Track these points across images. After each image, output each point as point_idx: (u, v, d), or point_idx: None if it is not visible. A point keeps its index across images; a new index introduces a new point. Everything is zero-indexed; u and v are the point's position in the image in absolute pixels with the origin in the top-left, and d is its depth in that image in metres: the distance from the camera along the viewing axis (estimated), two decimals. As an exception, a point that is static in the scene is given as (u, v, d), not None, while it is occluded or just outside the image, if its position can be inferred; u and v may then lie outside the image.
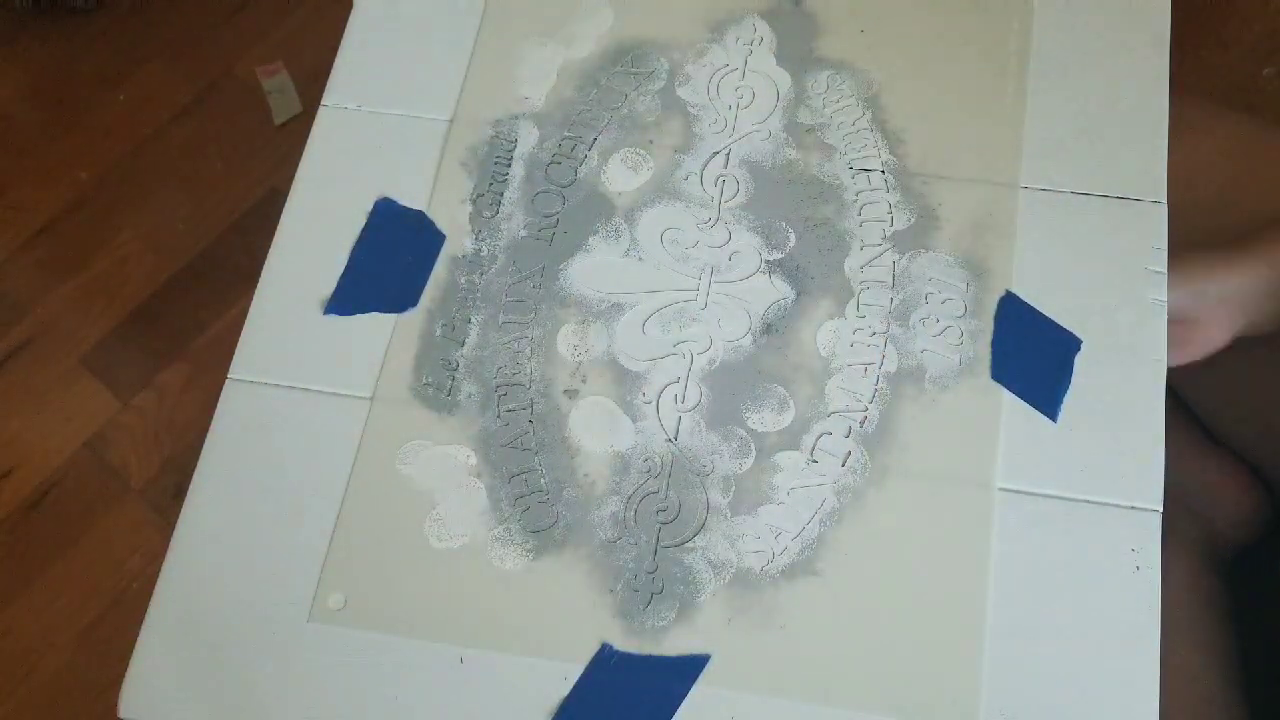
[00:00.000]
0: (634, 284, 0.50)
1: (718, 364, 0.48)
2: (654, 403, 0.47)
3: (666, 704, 0.42)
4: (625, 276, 0.50)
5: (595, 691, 0.43)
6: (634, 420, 0.47)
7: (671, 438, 0.47)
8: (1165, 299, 0.48)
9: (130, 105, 1.18)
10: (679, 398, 0.47)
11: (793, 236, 0.51)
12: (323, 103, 0.55)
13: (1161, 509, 0.44)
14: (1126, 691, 0.42)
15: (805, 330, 0.48)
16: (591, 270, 0.50)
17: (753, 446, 0.46)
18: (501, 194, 0.52)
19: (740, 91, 0.54)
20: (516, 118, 0.54)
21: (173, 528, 0.46)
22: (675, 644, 0.43)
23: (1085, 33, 0.54)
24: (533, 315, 0.49)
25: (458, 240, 0.51)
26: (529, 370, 0.48)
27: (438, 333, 0.49)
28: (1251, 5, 1.13)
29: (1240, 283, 0.50)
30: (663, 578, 0.44)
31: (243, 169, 1.14)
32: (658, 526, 0.45)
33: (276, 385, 0.48)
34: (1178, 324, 0.50)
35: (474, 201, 0.52)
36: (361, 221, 0.52)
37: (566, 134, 0.53)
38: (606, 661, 0.43)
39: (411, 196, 0.52)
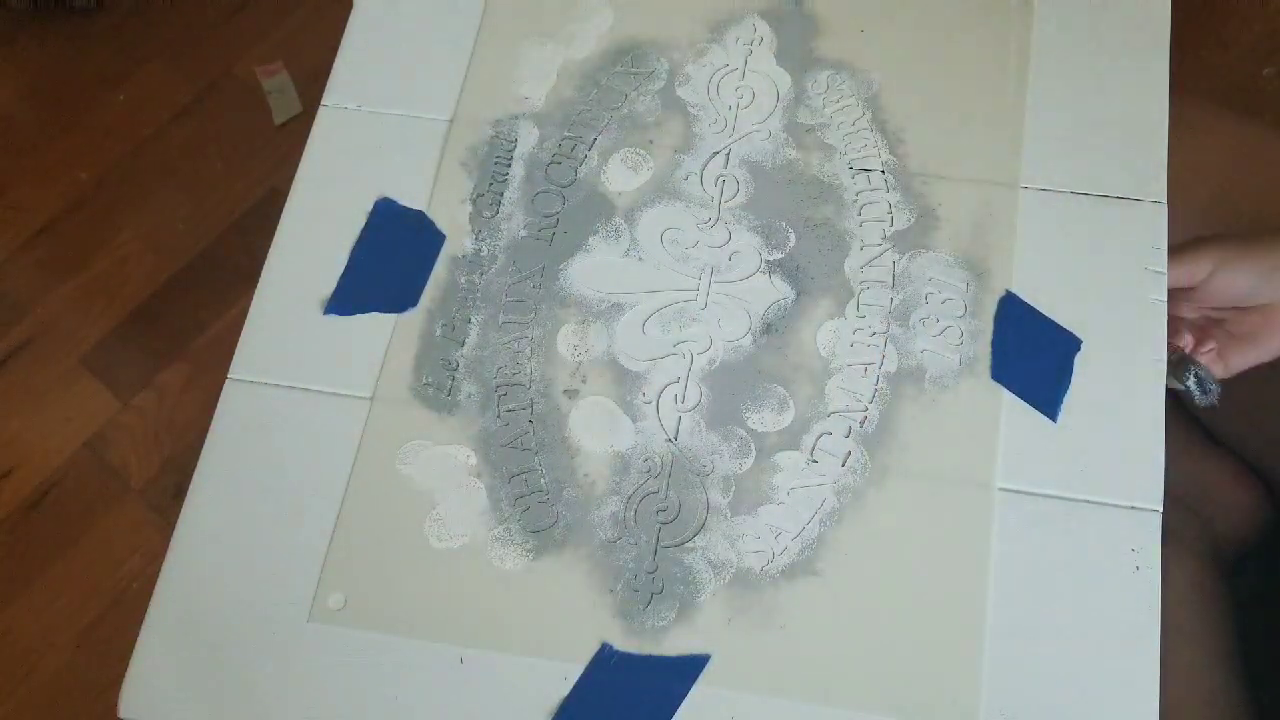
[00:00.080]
0: (634, 284, 0.50)
1: (718, 364, 0.48)
2: (654, 403, 0.47)
3: (666, 704, 0.42)
4: (625, 276, 0.50)
5: (595, 691, 0.43)
6: (634, 420, 0.47)
7: (671, 438, 0.47)
8: (1165, 299, 0.48)
9: (130, 105, 1.18)
10: (679, 398, 0.47)
11: (793, 236, 0.51)
12: (323, 103, 0.55)
13: (1161, 509, 0.44)
14: (1126, 691, 0.42)
15: (805, 330, 0.48)
16: (591, 270, 0.50)
17: (753, 446, 0.46)
18: (501, 194, 0.52)
19: (740, 91, 0.54)
20: (516, 118, 0.54)
21: (173, 528, 0.46)
22: (675, 644, 0.43)
23: (1085, 33, 0.54)
24: (533, 315, 0.49)
25: (458, 240, 0.51)
26: (529, 370, 0.48)
27: (438, 333, 0.49)
28: (1251, 5, 1.13)
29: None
30: (663, 578, 0.44)
31: (243, 169, 1.14)
32: (658, 526, 0.45)
33: (276, 385, 0.48)
34: (1255, 312, 0.49)
35: (474, 201, 0.52)
36: (361, 221, 0.52)
37: (566, 134, 0.53)
38: (606, 661, 0.43)
39: (411, 196, 0.52)
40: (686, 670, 0.43)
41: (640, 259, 0.50)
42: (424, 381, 0.48)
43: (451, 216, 0.52)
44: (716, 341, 0.49)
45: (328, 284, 0.50)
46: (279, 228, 0.52)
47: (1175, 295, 0.49)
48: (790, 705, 0.42)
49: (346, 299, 0.50)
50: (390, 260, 0.51)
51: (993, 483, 0.45)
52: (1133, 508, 0.44)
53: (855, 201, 0.51)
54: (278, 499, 0.46)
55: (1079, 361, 0.47)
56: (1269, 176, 0.59)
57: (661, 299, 0.50)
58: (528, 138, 0.53)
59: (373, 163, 0.53)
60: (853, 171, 0.52)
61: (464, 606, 0.44)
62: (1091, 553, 0.44)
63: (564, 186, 0.52)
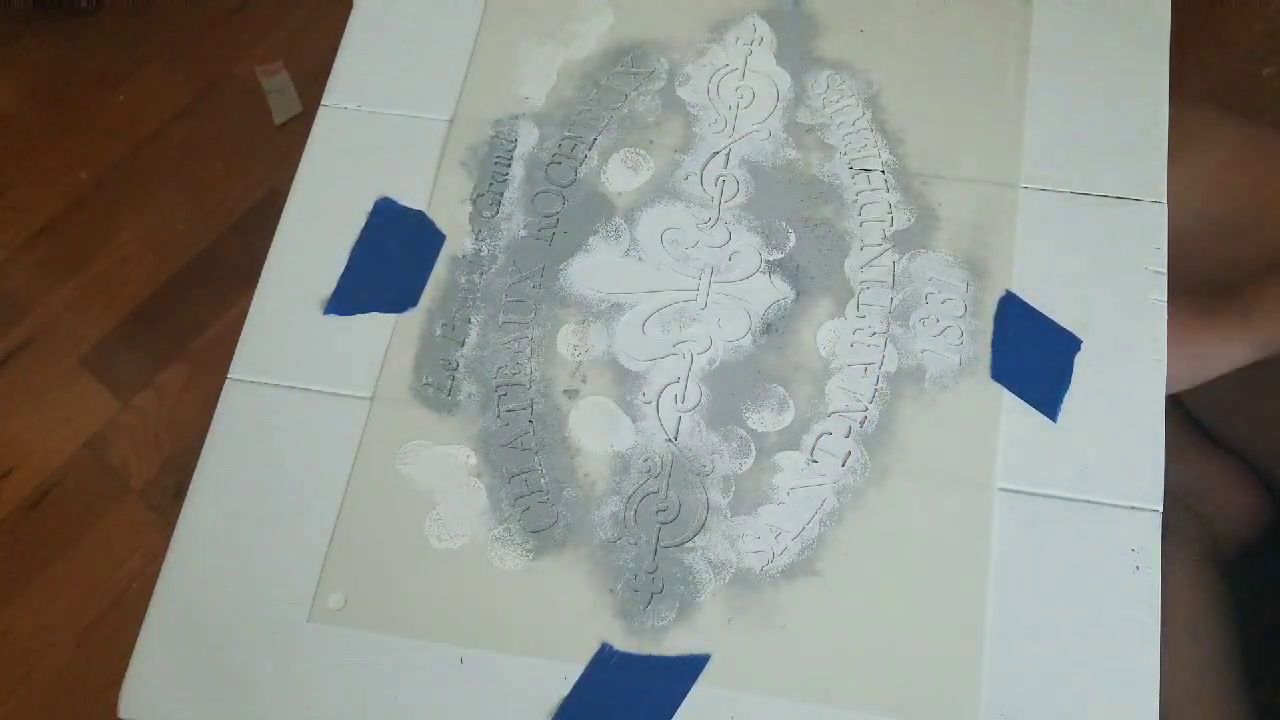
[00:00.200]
0: (634, 284, 0.50)
1: (718, 364, 0.48)
2: (654, 403, 0.47)
3: (666, 704, 0.42)
4: (625, 276, 0.50)
5: (595, 691, 0.43)
6: (634, 420, 0.47)
7: (671, 438, 0.47)
8: (1165, 299, 0.48)
9: (130, 105, 1.18)
10: (679, 398, 0.47)
11: (793, 236, 0.51)
12: (323, 103, 0.55)
13: (1161, 509, 0.44)
14: (1126, 691, 0.42)
15: (805, 330, 0.48)
16: (591, 270, 0.50)
17: (753, 446, 0.46)
18: (501, 194, 0.52)
19: (740, 91, 0.54)
20: (516, 118, 0.54)
21: (173, 528, 0.46)
22: (675, 644, 0.43)
23: (1085, 33, 0.54)
24: (533, 315, 0.49)
25: (458, 240, 0.51)
26: (529, 370, 0.48)
27: (438, 333, 0.49)
28: (1251, 5, 1.13)
29: (1242, 355, 0.51)
30: (663, 578, 0.44)
31: (243, 169, 1.14)
32: (658, 526, 0.45)
33: (276, 385, 0.48)
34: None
35: (474, 201, 0.52)
36: (361, 221, 0.52)
37: (566, 134, 0.53)
38: (606, 661, 0.43)
39: (411, 196, 0.52)
40: (686, 670, 0.43)
41: (640, 259, 0.50)
42: (424, 381, 0.48)
43: (451, 216, 0.52)
44: (716, 341, 0.49)
45: (328, 284, 0.50)
46: (279, 228, 0.52)
47: None
48: (790, 705, 0.42)
49: (346, 299, 0.50)
50: (390, 260, 0.51)
51: (993, 483, 0.45)
52: (1133, 508, 0.44)
53: (855, 201, 0.51)
54: (278, 499, 0.46)
55: (1079, 361, 0.47)
56: (1269, 176, 0.59)
57: (661, 299, 0.50)
58: (528, 138, 0.53)
59: (373, 163, 0.53)
60: (853, 171, 0.52)
61: (464, 606, 0.44)
62: (1091, 553, 0.44)
63: (564, 186, 0.52)
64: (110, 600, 0.97)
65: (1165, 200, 0.49)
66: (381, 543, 0.45)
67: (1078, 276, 0.49)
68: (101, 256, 1.11)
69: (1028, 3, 0.55)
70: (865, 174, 0.51)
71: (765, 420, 0.47)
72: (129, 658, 0.44)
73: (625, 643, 0.43)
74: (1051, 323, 0.48)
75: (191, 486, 0.47)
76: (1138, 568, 0.43)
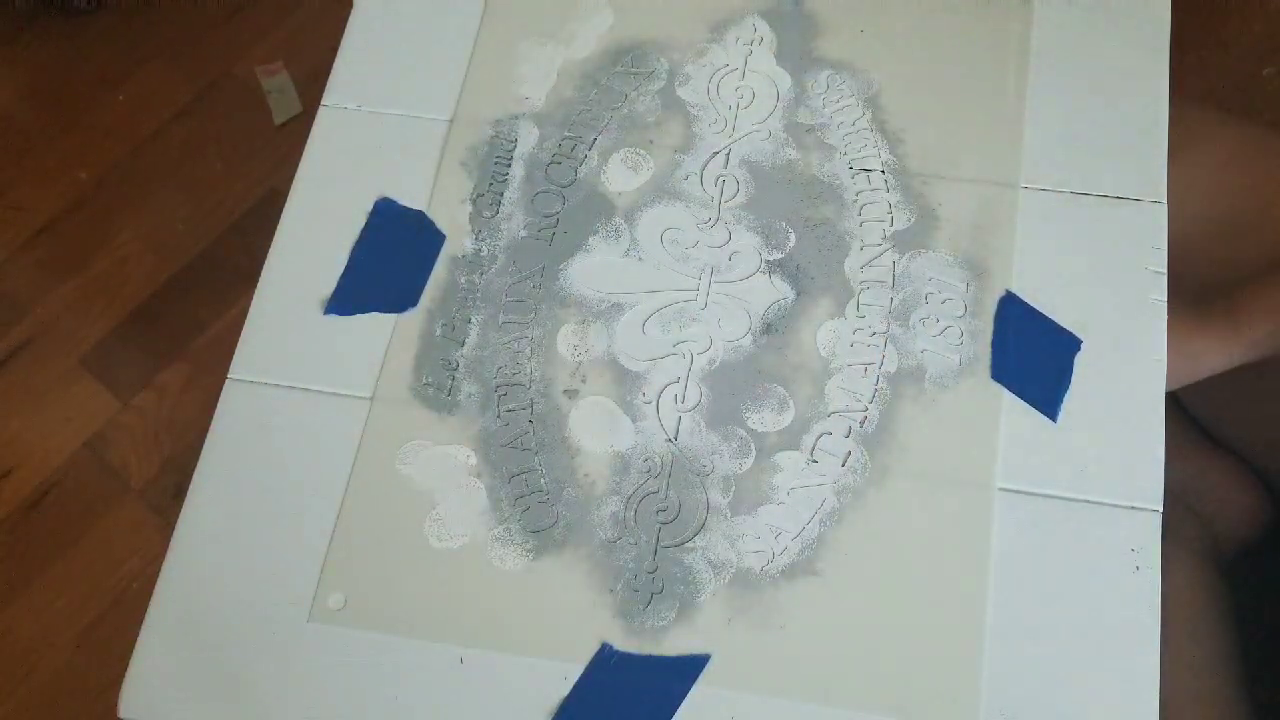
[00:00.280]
0: (634, 284, 0.50)
1: (718, 364, 0.48)
2: (654, 403, 0.47)
3: (666, 704, 0.42)
4: (625, 276, 0.50)
5: (595, 691, 0.43)
6: (634, 420, 0.47)
7: (671, 438, 0.47)
8: (1165, 299, 0.48)
9: (130, 105, 1.18)
10: (679, 398, 0.47)
11: (793, 236, 0.51)
12: (323, 103, 0.55)
13: (1161, 509, 0.44)
14: (1126, 691, 0.42)
15: (805, 330, 0.48)
16: (591, 270, 0.50)
17: (753, 446, 0.46)
18: (501, 194, 0.52)
19: (740, 91, 0.54)
20: (516, 118, 0.54)
21: (173, 528, 0.46)
22: (675, 644, 0.43)
23: (1085, 33, 0.54)
24: (533, 315, 0.49)
25: (458, 240, 0.51)
26: (529, 370, 0.48)
27: (438, 333, 0.49)
28: (1251, 6, 1.13)
29: (1233, 357, 0.51)
30: (663, 578, 0.44)
31: (243, 169, 1.14)
32: (658, 526, 0.45)
33: (276, 385, 0.48)
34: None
35: (474, 201, 0.52)
36: (361, 221, 0.52)
37: (566, 134, 0.53)
38: (606, 661, 0.43)
39: (411, 196, 0.52)
40: (686, 670, 0.43)
41: (640, 259, 0.50)
42: (424, 381, 0.48)
43: (451, 216, 0.52)
44: (716, 341, 0.49)
45: (328, 284, 0.50)
46: (279, 228, 0.52)
47: None
48: (790, 705, 0.42)
49: (346, 299, 0.50)
50: (390, 260, 0.51)
51: (993, 483, 0.45)
52: (1133, 508, 0.44)
53: (855, 201, 0.51)
54: (278, 499, 0.46)
55: (1079, 361, 0.47)
56: (1269, 176, 0.59)
57: (661, 299, 0.50)
58: (528, 138, 0.53)
59: (373, 163, 0.53)
60: (853, 171, 0.52)
61: (464, 606, 0.44)
62: (1091, 553, 0.44)
63: (564, 186, 0.52)
64: (110, 600, 0.97)
65: (1165, 200, 0.49)
66: (381, 543, 0.45)
67: (1078, 276, 0.49)
68: (101, 256, 1.11)
69: (1027, 3, 0.55)
70: (865, 174, 0.51)
71: (765, 420, 0.47)
72: (129, 658, 0.44)
73: (625, 643, 0.43)
74: (1051, 323, 0.48)
75: (191, 486, 0.47)
76: (1138, 568, 0.43)
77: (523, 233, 0.51)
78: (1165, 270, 0.48)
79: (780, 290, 0.49)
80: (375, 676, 0.43)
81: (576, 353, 0.49)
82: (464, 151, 0.53)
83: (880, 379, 0.47)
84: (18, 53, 1.21)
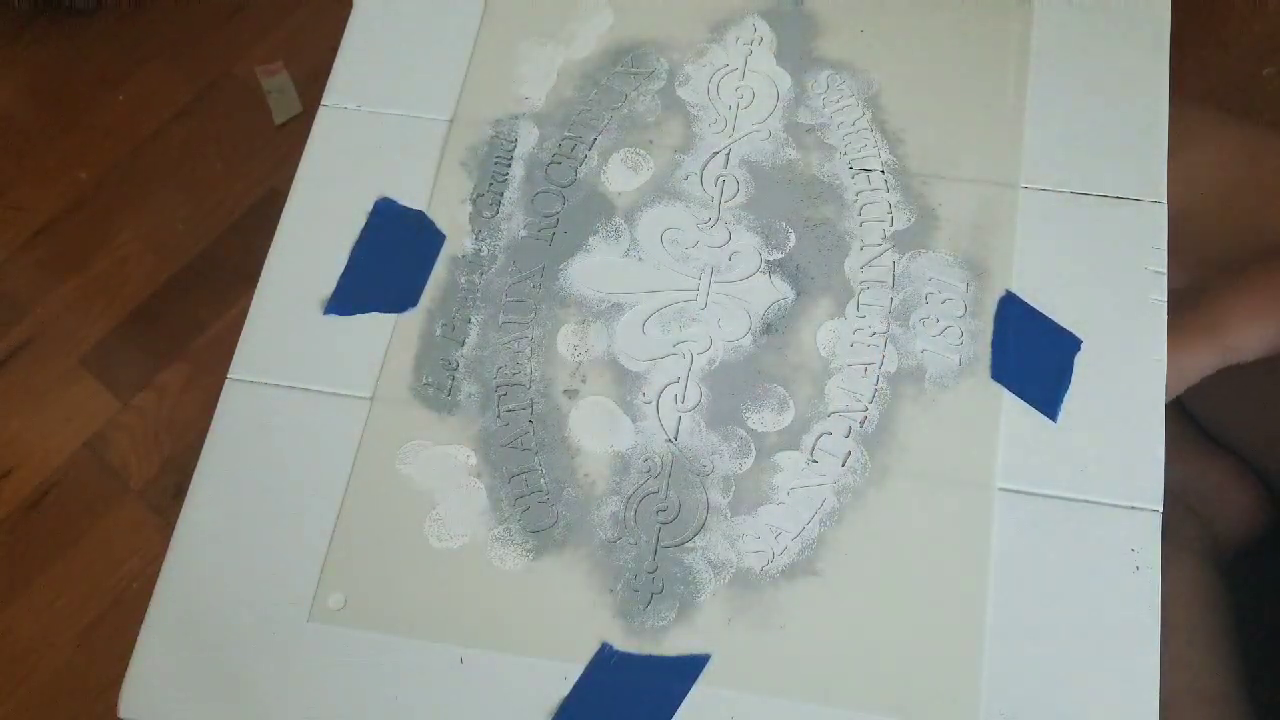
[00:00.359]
0: (634, 284, 0.50)
1: (718, 364, 0.48)
2: (654, 403, 0.47)
3: (666, 704, 0.42)
4: (625, 276, 0.50)
5: (595, 691, 0.43)
6: (634, 420, 0.47)
7: (671, 438, 0.47)
8: (1165, 299, 0.48)
9: (130, 105, 1.18)
10: (679, 398, 0.47)
11: (793, 236, 0.51)
12: (323, 103, 0.55)
13: (1161, 509, 0.44)
14: (1126, 691, 0.42)
15: (805, 330, 0.48)
16: (591, 270, 0.50)
17: (753, 446, 0.46)
18: (501, 194, 0.52)
19: (740, 91, 0.54)
20: (516, 118, 0.54)
21: (173, 528, 0.46)
22: (675, 644, 0.43)
23: (1085, 33, 0.54)
24: (533, 315, 0.49)
25: (458, 240, 0.51)
26: (529, 370, 0.48)
27: (438, 333, 0.49)
28: (1251, 6, 1.13)
29: (1209, 363, 0.51)
30: (663, 578, 0.44)
31: (243, 169, 1.14)
32: (658, 526, 0.45)
33: (276, 385, 0.48)
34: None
35: (474, 201, 0.52)
36: (361, 221, 0.52)
37: (566, 134, 0.53)
38: (606, 661, 0.43)
39: (411, 196, 0.52)
40: (686, 670, 0.43)
41: (640, 259, 0.50)
42: (424, 381, 0.48)
43: (451, 216, 0.52)
44: (716, 341, 0.49)
45: (328, 284, 0.50)
46: (279, 228, 0.52)
47: None
48: (790, 705, 0.42)
49: (346, 299, 0.50)
50: (390, 260, 0.51)
51: (993, 483, 0.45)
52: (1133, 508, 0.44)
53: (855, 201, 0.51)
54: (278, 499, 0.46)
55: (1079, 361, 0.47)
56: (1269, 177, 0.59)
57: (661, 299, 0.50)
58: (528, 138, 0.53)
59: (373, 163, 0.53)
60: (853, 171, 0.52)
61: (464, 606, 0.44)
62: (1091, 553, 0.44)
63: (564, 186, 0.52)
64: (110, 600, 0.97)
65: (1165, 200, 0.49)
66: (381, 543, 0.45)
67: (1078, 276, 0.49)
68: (101, 256, 1.11)
69: (1027, 3, 0.55)
70: (865, 174, 0.51)
71: (765, 420, 0.47)
72: (129, 658, 0.44)
73: (625, 643, 0.43)
74: (1051, 323, 0.48)
75: (191, 486, 0.47)
76: (1138, 568, 0.43)
77: (523, 233, 0.51)
78: (1165, 270, 0.48)
79: (780, 290, 0.49)
80: (375, 676, 0.43)
81: (576, 353, 0.49)
82: (464, 151, 0.53)
83: (880, 379, 0.47)
84: (18, 53, 1.21)
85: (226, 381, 0.49)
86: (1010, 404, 0.47)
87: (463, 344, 0.49)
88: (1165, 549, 0.43)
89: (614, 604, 0.44)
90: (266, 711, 0.43)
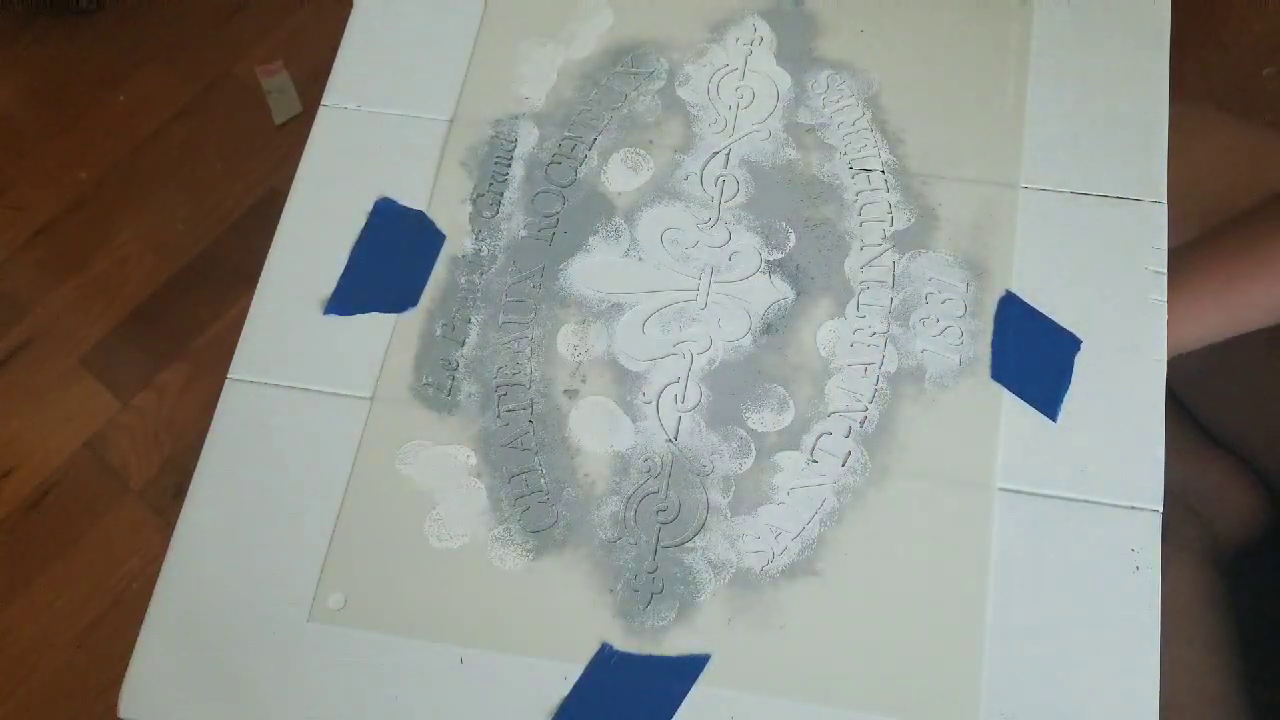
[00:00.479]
0: (634, 284, 0.50)
1: (718, 364, 0.48)
2: (654, 403, 0.47)
3: (666, 704, 0.42)
4: (625, 276, 0.50)
5: (595, 691, 0.43)
6: (634, 420, 0.47)
7: (671, 438, 0.47)
8: (1165, 299, 0.48)
9: (130, 105, 1.18)
10: (679, 398, 0.47)
11: (793, 236, 0.51)
12: (323, 103, 0.55)
13: (1161, 509, 0.44)
14: (1126, 691, 0.42)
15: (805, 330, 0.48)
16: (591, 270, 0.50)
17: (753, 446, 0.46)
18: (501, 194, 0.52)
19: (740, 91, 0.54)
20: (516, 118, 0.54)
21: (173, 528, 0.46)
22: (675, 644, 0.43)
23: (1085, 33, 0.54)
24: (533, 315, 0.49)
25: (458, 240, 0.51)
26: (529, 370, 0.48)
27: (438, 333, 0.49)
28: (1250, 6, 1.13)
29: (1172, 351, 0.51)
30: (663, 578, 0.44)
31: (243, 169, 1.14)
32: (658, 526, 0.45)
33: (276, 385, 0.48)
34: None
35: (474, 201, 0.52)
36: (361, 221, 0.52)
37: (566, 134, 0.53)
38: (606, 661, 0.43)
39: (411, 196, 0.52)
40: (686, 670, 0.43)
41: (640, 259, 0.50)
42: (424, 381, 0.48)
43: (451, 216, 0.52)
44: (716, 341, 0.49)
45: (328, 284, 0.50)
46: (279, 228, 0.52)
47: None
48: (790, 705, 0.42)
49: (346, 299, 0.50)
50: (390, 260, 0.51)
51: (993, 483, 0.45)
52: (1133, 508, 0.44)
53: (855, 201, 0.51)
54: (278, 499, 0.46)
55: (1079, 361, 0.47)
56: (1269, 177, 0.59)
57: (661, 299, 0.50)
58: (528, 138, 0.53)
59: (373, 163, 0.53)
60: (853, 171, 0.52)
61: (464, 606, 0.44)
62: (1091, 553, 0.44)
63: (564, 186, 0.52)
64: (110, 600, 0.97)
65: (1165, 200, 0.49)
66: (381, 543, 0.45)
67: (1078, 276, 0.49)
68: (101, 256, 1.11)
69: (1027, 3, 0.55)
70: (865, 174, 0.51)
71: (765, 420, 0.47)
72: (129, 658, 0.44)
73: (625, 643, 0.43)
74: (1051, 323, 0.48)
75: (191, 486, 0.47)
76: (1138, 568, 0.43)
77: (523, 233, 0.51)
78: (1165, 270, 0.48)
79: (780, 290, 0.49)
80: (375, 676, 0.43)
81: (576, 353, 0.49)
82: (464, 151, 0.53)
83: (880, 379, 0.47)
84: (18, 53, 1.21)
85: (226, 381, 0.49)
86: (1010, 404, 0.47)
87: (463, 344, 0.49)
88: (1165, 549, 0.43)
89: (614, 604, 0.44)
90: (266, 711, 0.43)
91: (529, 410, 0.48)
